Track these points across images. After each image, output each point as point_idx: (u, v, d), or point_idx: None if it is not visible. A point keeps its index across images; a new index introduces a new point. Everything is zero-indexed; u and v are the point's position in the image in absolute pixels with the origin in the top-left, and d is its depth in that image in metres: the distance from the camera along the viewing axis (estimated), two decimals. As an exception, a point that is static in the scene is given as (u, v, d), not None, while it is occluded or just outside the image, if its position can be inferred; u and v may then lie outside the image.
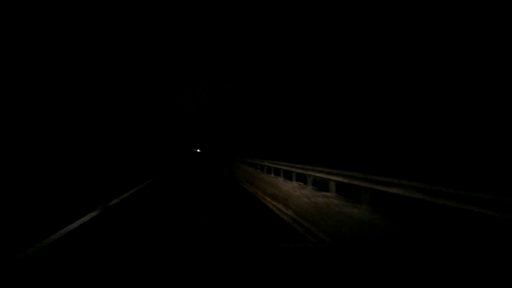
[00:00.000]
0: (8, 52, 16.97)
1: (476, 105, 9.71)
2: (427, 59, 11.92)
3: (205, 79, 69.34)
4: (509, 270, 1.06)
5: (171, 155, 36.08)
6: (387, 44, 14.04)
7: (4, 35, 16.50)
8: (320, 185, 6.97)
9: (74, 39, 23.33)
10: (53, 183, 7.42)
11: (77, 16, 24.32)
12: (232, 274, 1.07)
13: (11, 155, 14.53)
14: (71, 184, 7.45)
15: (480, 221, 3.68)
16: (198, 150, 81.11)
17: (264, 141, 30.59)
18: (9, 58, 17.17)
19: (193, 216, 4.02)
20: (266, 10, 28.26)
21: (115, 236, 3.12)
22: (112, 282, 1.09)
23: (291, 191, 6.69)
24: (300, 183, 8.05)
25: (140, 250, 2.52)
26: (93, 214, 4.05)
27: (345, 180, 5.64)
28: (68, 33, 22.77)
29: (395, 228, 3.64)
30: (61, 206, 4.62)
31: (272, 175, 10.71)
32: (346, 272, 1.05)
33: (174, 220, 3.78)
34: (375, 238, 3.33)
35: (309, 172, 7.33)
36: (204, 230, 3.34)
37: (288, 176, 8.90)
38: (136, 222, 3.73)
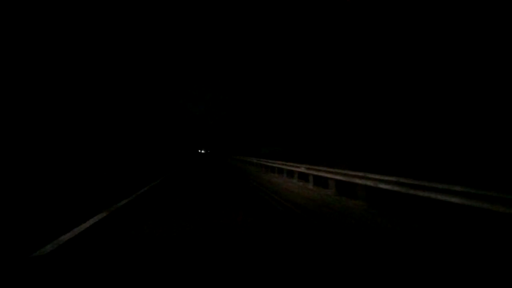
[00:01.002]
0: (11, 53, 17.17)
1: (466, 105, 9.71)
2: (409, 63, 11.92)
3: (211, 81, 69.41)
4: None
5: (170, 158, 33.28)
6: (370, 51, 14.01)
7: (4, 35, 16.70)
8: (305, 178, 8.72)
9: (86, 42, 23.76)
10: (60, 183, 7.65)
11: (93, 21, 24.77)
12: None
13: (25, 155, 14.78)
14: (79, 184, 7.65)
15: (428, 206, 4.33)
16: (202, 151, 79.79)
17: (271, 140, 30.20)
18: (13, 59, 17.38)
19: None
20: (274, 12, 28.29)
21: (125, 236, 3.23)
22: (122, 281, 1.14)
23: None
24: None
25: (150, 249, 2.66)
26: (103, 214, 4.18)
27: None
28: (81, 36, 23.19)
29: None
30: (73, 206, 4.76)
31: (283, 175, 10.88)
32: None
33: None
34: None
35: (309, 172, 8.51)
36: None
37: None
38: (145, 223, 3.86)
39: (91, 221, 3.80)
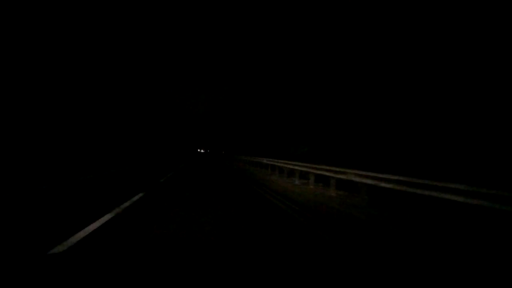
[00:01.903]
0: (9, 53, 17.17)
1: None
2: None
3: (212, 79, 69.04)
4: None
5: (164, 159, 29.67)
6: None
7: (4, 35, 16.71)
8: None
9: (88, 45, 23.86)
10: (68, 182, 7.73)
11: (96, 24, 24.90)
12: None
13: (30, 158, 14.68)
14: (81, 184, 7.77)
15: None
16: (202, 151, 77.53)
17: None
18: (11, 58, 17.39)
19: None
20: (274, 11, 28.12)
21: (134, 236, 3.29)
22: (133, 279, 1.16)
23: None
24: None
25: (160, 247, 2.72)
26: (108, 216, 4.17)
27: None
28: (83, 39, 23.31)
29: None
30: (72, 208, 4.86)
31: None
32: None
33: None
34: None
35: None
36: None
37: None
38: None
39: (92, 227, 3.73)
